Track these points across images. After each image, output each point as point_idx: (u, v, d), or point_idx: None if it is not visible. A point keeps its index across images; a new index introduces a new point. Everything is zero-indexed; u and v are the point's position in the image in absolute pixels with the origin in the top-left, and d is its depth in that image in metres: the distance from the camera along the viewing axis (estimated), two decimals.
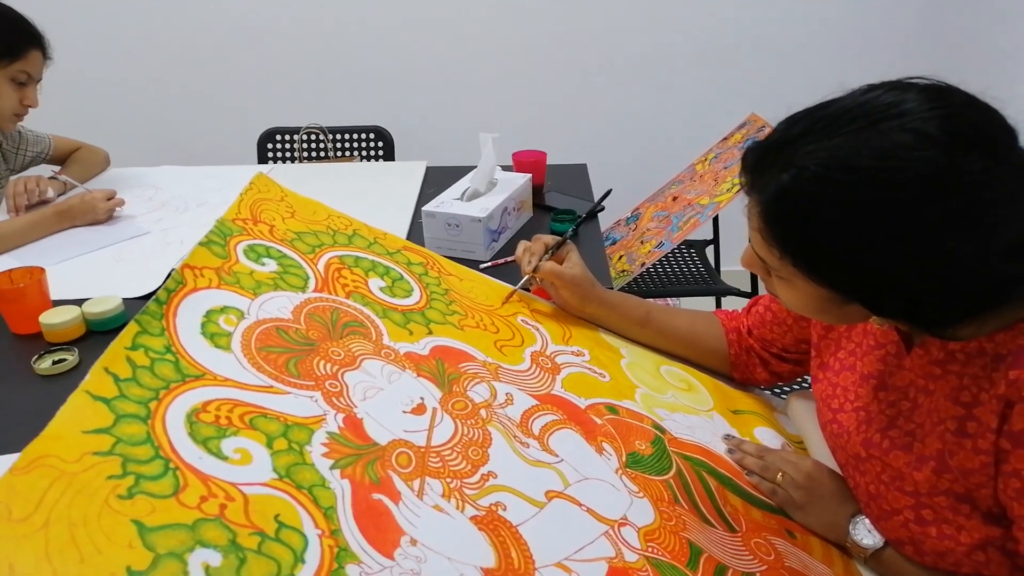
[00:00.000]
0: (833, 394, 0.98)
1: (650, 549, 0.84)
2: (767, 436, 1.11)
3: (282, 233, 1.08)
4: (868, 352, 0.94)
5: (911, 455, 0.83)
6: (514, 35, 2.93)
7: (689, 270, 2.46)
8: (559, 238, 1.27)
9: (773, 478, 0.99)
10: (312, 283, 1.03)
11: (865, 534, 0.89)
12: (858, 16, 2.88)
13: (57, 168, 2.06)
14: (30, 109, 1.82)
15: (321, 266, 1.06)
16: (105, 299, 1.33)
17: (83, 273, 1.56)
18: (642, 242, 1.96)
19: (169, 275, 0.93)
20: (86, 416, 0.70)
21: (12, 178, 1.85)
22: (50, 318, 1.28)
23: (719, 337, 1.21)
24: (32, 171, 1.98)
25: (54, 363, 1.21)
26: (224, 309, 0.91)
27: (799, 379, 1.80)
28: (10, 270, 1.36)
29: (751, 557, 0.89)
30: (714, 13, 2.89)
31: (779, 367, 1.17)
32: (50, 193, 1.88)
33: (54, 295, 1.37)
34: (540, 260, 1.24)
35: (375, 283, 1.09)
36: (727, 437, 1.07)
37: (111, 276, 1.55)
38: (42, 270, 1.36)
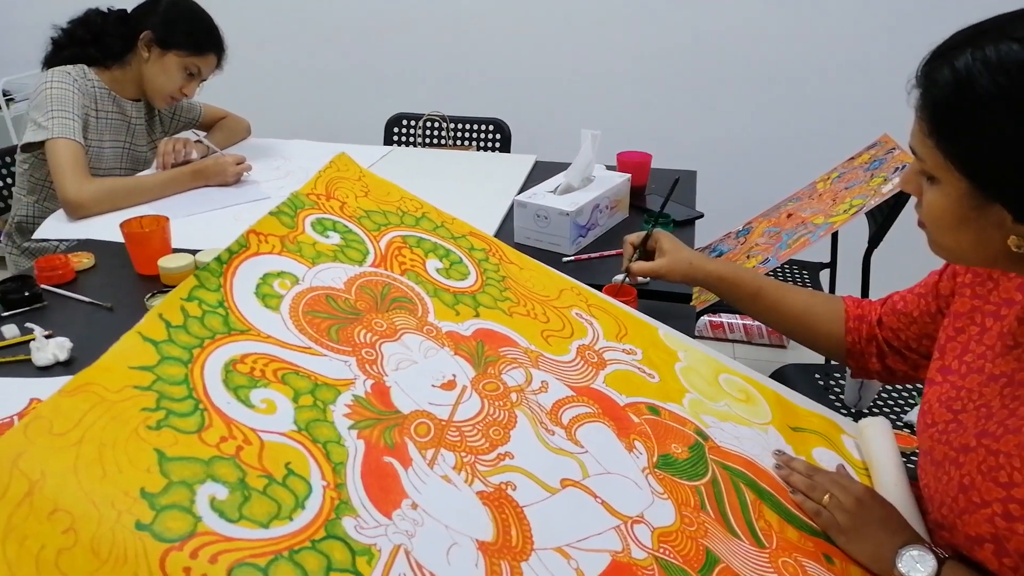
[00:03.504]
0: (956, 396, 0.94)
1: (662, 550, 0.83)
2: (826, 457, 1.08)
3: (352, 210, 1.12)
4: (1002, 354, 0.90)
5: (1022, 436, 0.81)
6: (644, 40, 2.92)
7: None
8: (643, 233, 1.35)
9: (819, 499, 0.96)
10: (371, 258, 1.06)
11: (912, 566, 0.86)
12: None
13: (204, 133, 2.26)
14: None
15: (383, 244, 1.09)
16: (216, 251, 1.45)
17: (205, 227, 1.73)
18: (748, 256, 1.91)
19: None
20: (134, 354, 0.76)
21: (164, 139, 2.04)
22: (167, 262, 1.43)
23: (837, 321, 1.20)
24: (182, 134, 2.18)
25: None
26: (280, 274, 0.96)
27: (898, 391, 1.73)
28: (141, 217, 1.52)
29: (775, 575, 0.87)
30: (852, 31, 2.77)
31: (895, 363, 1.16)
32: (194, 155, 2.06)
33: (176, 243, 1.52)
34: (629, 261, 1.33)
35: (432, 264, 1.11)
36: (777, 452, 1.05)
37: (228, 232, 1.66)
38: (166, 219, 1.51)
